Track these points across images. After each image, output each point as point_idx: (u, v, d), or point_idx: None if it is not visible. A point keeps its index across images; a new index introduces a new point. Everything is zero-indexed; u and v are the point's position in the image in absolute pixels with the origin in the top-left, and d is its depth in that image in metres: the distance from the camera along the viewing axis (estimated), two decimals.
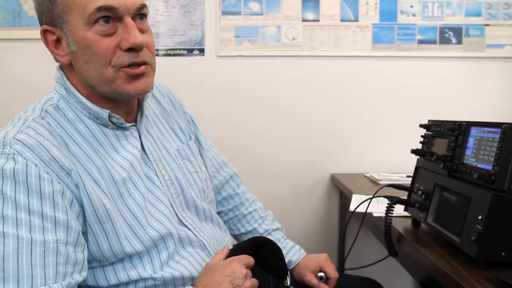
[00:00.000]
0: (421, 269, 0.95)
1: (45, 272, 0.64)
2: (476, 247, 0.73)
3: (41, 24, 0.79)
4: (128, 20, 0.76)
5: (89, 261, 0.74)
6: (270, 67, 1.94)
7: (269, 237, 1.08)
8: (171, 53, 1.94)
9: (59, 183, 0.70)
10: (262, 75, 1.94)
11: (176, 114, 1.00)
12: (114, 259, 0.76)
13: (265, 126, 1.96)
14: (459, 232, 0.80)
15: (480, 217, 0.74)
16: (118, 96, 0.79)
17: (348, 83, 1.95)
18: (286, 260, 1.07)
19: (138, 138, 0.85)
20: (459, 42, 1.92)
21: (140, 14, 0.79)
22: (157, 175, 0.85)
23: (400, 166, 1.82)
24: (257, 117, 1.96)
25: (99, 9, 0.73)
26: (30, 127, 0.72)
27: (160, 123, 0.95)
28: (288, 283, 0.93)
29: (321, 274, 1.04)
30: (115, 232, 0.74)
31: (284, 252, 1.07)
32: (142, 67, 0.78)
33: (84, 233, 0.73)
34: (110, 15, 0.74)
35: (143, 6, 0.79)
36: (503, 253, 0.73)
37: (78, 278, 0.69)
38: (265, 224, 1.10)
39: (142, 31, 0.79)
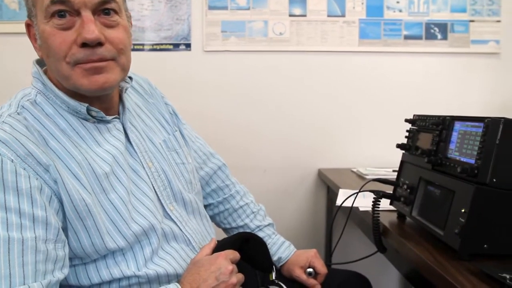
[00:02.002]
0: (406, 262, 0.95)
1: (23, 270, 0.63)
2: (460, 239, 0.74)
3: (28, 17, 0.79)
4: (86, 14, 0.72)
5: (70, 259, 0.73)
6: (257, 62, 1.93)
7: (260, 233, 1.08)
8: (157, 48, 1.93)
9: (37, 179, 0.68)
10: (249, 70, 1.94)
11: (159, 105, 0.99)
12: (96, 256, 0.75)
13: (252, 121, 1.96)
14: (443, 225, 0.81)
15: (463, 210, 0.75)
16: (80, 92, 0.77)
17: (334, 78, 1.95)
18: (276, 257, 1.08)
19: (122, 131, 0.85)
20: (445, 37, 1.94)
21: (104, 8, 0.75)
22: (143, 168, 0.85)
23: (386, 160, 1.84)
24: (244, 112, 1.95)
25: (53, 1, 0.71)
26: (5, 123, 0.71)
27: (145, 115, 0.94)
28: (274, 277, 0.93)
29: (310, 269, 1.05)
30: (97, 228, 0.73)
31: (274, 248, 1.08)
32: (102, 62, 0.75)
33: (64, 230, 0.72)
34: (65, 9, 0.72)
35: (108, 0, 0.75)
36: (485, 245, 0.74)
37: (59, 275, 0.68)
38: (257, 219, 1.10)
39: (107, 26, 0.75)
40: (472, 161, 0.77)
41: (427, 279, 0.77)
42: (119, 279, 0.76)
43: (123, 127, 0.85)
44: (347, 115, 1.97)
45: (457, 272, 0.71)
